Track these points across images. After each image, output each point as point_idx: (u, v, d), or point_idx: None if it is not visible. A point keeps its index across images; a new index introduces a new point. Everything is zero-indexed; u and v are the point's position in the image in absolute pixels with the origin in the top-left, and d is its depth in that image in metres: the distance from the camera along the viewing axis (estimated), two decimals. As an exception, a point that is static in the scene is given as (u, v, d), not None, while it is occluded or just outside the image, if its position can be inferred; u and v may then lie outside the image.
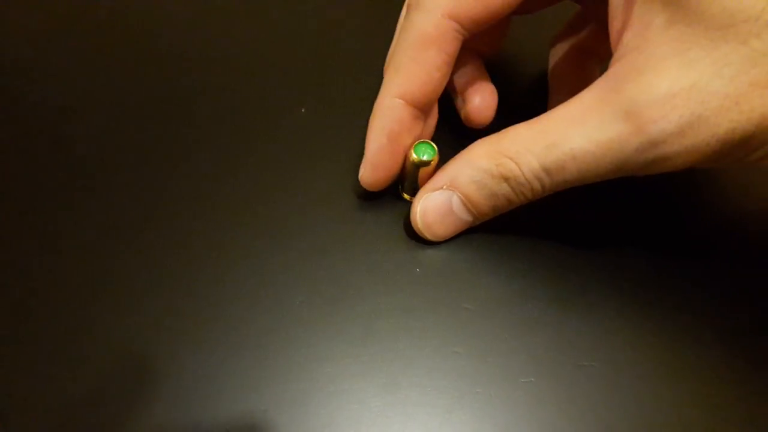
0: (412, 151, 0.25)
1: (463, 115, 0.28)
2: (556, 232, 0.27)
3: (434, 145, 0.25)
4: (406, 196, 0.27)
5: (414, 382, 0.23)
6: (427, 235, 0.26)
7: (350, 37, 0.34)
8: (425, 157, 0.25)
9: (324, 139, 0.29)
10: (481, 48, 0.28)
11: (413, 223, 0.26)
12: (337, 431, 0.22)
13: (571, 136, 0.21)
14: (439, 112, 0.27)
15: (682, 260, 0.27)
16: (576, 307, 0.25)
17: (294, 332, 0.24)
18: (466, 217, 0.25)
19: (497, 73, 0.29)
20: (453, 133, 0.29)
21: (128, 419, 0.22)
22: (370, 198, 0.27)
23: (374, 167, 0.25)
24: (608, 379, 0.24)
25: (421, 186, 0.26)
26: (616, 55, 0.21)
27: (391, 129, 0.25)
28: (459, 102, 0.29)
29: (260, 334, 0.24)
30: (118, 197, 0.27)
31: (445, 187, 0.24)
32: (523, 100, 0.31)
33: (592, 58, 0.30)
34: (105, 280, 0.25)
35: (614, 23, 0.22)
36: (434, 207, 0.25)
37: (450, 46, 0.24)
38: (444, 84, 0.25)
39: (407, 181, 0.27)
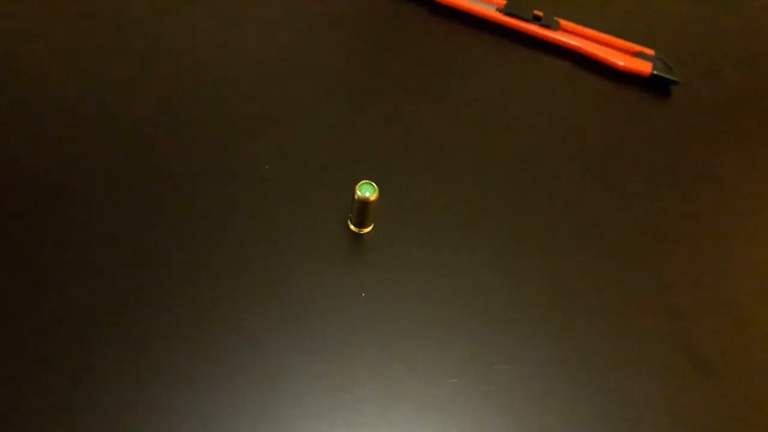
0: (357, 189, 0.30)
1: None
2: (477, 258, 0.32)
3: (375, 185, 0.30)
4: (353, 228, 0.32)
5: (358, 385, 0.27)
6: None
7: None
8: (368, 195, 0.30)
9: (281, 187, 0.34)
10: None
11: None
12: (290, 425, 0.26)
13: None
14: (379, 153, 0.32)
15: (576, 282, 0.31)
16: (494, 320, 0.30)
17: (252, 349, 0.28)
18: None
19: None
20: (392, 166, 0.33)
21: None
22: (321, 230, 0.32)
23: None
24: (522, 378, 0.28)
25: (366, 219, 0.31)
26: None
27: None
28: None
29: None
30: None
31: None
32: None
33: None
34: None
35: None
36: None
37: None
38: None
39: (354, 215, 0.31)
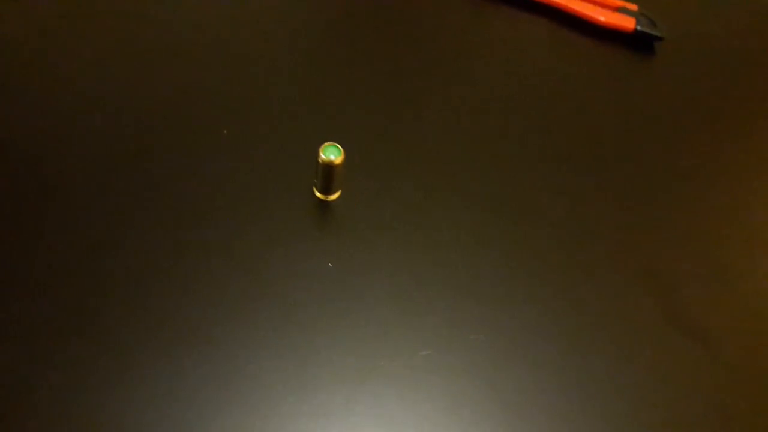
0: (321, 152, 0.28)
1: None
2: (447, 236, 0.30)
3: (340, 147, 0.28)
4: (318, 194, 0.30)
5: (326, 361, 0.26)
6: None
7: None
8: (332, 157, 0.28)
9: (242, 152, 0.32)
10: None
11: None
12: (255, 402, 0.24)
13: None
14: (347, 111, 0.30)
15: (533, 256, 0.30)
16: (467, 289, 0.28)
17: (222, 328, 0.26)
18: None
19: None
20: (358, 132, 0.31)
21: None
22: (286, 196, 0.30)
23: None
24: (498, 348, 0.27)
25: (332, 184, 0.29)
26: None
27: None
28: None
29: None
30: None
31: None
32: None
33: None
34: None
35: None
36: None
37: None
38: None
39: (319, 180, 0.29)
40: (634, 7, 0.39)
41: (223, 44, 0.35)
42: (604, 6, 0.39)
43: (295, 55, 0.36)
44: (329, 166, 0.28)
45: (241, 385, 0.25)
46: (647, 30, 0.38)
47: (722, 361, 0.27)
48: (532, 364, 0.26)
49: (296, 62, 0.35)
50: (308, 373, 0.25)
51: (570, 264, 0.29)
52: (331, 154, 0.28)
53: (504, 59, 0.37)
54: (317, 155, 0.28)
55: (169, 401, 0.24)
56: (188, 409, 0.24)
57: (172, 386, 0.25)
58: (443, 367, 0.26)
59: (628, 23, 0.38)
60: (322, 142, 0.28)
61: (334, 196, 0.30)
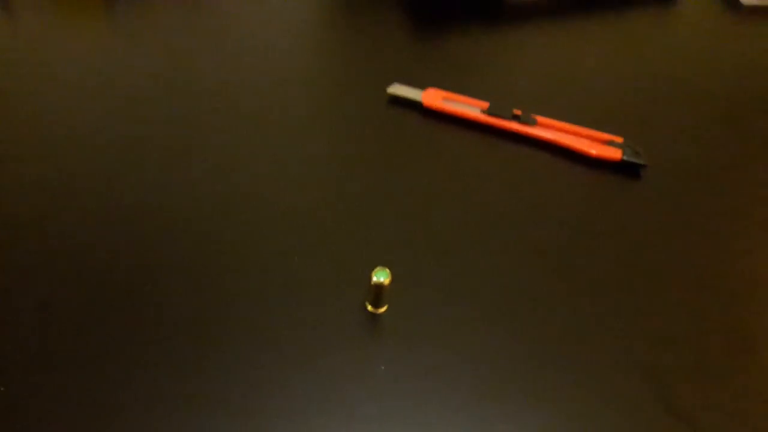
0: (373, 274, 0.34)
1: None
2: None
3: (388, 270, 0.34)
4: (369, 308, 0.36)
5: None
6: None
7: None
8: (382, 279, 0.34)
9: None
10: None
11: None
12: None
13: None
14: (396, 235, 0.36)
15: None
16: (500, 394, 0.33)
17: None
18: None
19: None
20: (409, 256, 0.38)
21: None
22: (340, 311, 0.36)
23: None
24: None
25: (381, 300, 0.35)
26: None
27: None
28: None
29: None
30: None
31: None
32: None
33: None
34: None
35: None
36: None
37: None
38: None
39: (371, 297, 0.35)
40: (619, 139, 0.47)
41: (277, 181, 0.43)
42: (593, 140, 0.47)
43: (345, 185, 0.43)
44: (379, 287, 0.34)
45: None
46: (632, 159, 0.46)
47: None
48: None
49: (344, 192, 0.42)
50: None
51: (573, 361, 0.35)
52: (381, 276, 0.34)
53: (512, 186, 0.44)
54: (369, 277, 0.34)
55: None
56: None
57: None
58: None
59: (615, 154, 0.46)
60: (372, 261, 0.34)
61: (382, 310, 0.36)
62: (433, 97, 0.49)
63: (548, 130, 0.47)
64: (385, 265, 0.35)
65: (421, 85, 0.50)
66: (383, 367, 0.34)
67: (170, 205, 0.41)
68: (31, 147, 0.44)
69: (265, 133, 0.46)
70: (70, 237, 0.38)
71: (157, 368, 0.33)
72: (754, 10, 0.64)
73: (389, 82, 0.50)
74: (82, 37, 0.53)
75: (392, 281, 0.34)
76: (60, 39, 0.52)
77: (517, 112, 0.48)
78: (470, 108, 0.48)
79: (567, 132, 0.47)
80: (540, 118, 0.48)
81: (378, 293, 0.35)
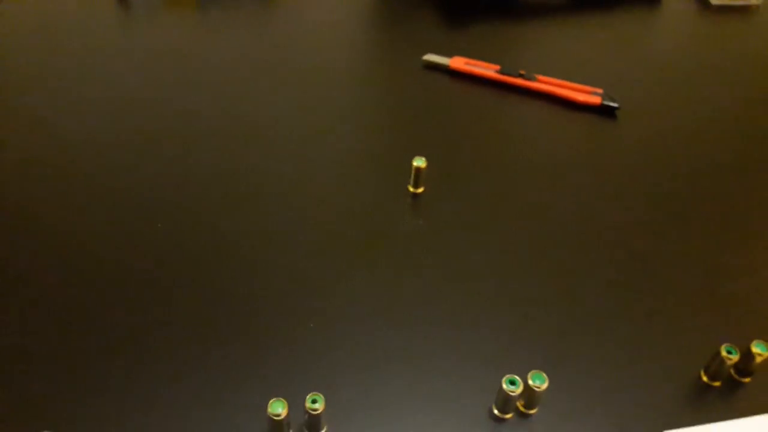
0: (413, 161, 0.49)
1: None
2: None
3: (424, 158, 0.49)
4: (411, 188, 0.51)
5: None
6: None
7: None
8: (420, 164, 0.49)
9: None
10: None
11: None
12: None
13: None
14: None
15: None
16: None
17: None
18: None
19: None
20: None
21: None
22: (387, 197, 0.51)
23: None
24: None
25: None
26: None
27: None
28: None
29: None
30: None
31: None
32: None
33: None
34: None
35: None
36: None
37: None
38: None
39: (413, 180, 0.51)
40: (599, 90, 0.62)
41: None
42: (580, 91, 0.62)
43: (382, 136, 0.58)
44: (419, 169, 0.49)
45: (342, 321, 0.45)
46: (609, 103, 0.60)
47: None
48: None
49: (382, 142, 0.58)
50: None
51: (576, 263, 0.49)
52: (419, 161, 0.49)
53: (519, 125, 0.59)
54: (411, 163, 0.49)
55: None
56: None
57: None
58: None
59: (596, 100, 0.61)
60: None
61: (420, 190, 0.51)
62: (459, 62, 0.65)
63: (545, 84, 0.63)
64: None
65: (449, 55, 0.66)
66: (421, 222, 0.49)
67: (264, 167, 0.57)
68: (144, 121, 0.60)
69: (323, 90, 0.62)
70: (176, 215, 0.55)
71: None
72: (722, 9, 0.79)
73: (424, 54, 0.66)
74: (180, 28, 0.70)
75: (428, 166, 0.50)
76: (163, 29, 0.70)
77: (522, 71, 0.64)
78: (487, 69, 0.64)
79: (559, 86, 0.63)
80: (539, 76, 0.63)
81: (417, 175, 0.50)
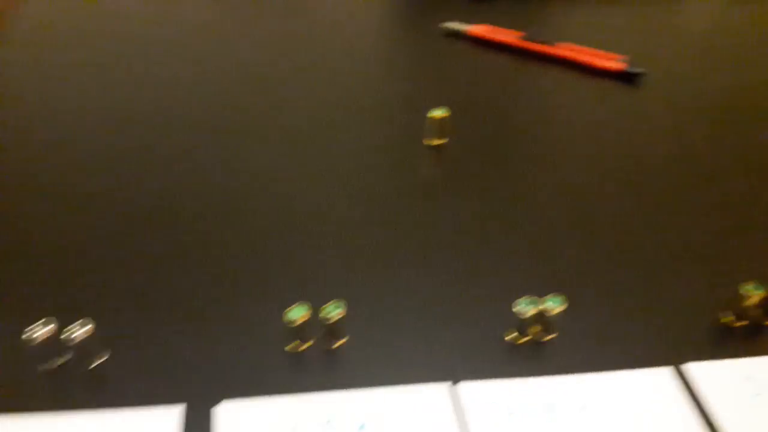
0: (428, 114, 0.48)
1: None
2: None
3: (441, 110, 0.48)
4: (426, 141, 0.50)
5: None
6: None
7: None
8: (437, 114, 0.48)
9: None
10: None
11: None
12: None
13: None
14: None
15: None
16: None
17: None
18: None
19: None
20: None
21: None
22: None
23: None
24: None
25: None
26: None
27: None
28: None
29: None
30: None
31: None
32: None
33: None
34: None
35: None
36: None
37: None
38: None
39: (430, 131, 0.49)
40: (624, 57, 0.60)
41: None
42: (606, 58, 0.60)
43: (400, 98, 0.57)
44: (433, 120, 0.48)
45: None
46: (633, 70, 0.59)
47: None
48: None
49: (398, 103, 0.57)
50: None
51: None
52: (437, 112, 0.48)
53: (539, 92, 0.58)
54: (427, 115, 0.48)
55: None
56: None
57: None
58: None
59: (620, 65, 0.59)
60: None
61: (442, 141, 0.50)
62: (478, 29, 0.64)
63: (567, 50, 0.61)
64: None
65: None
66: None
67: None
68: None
69: (356, 56, 0.62)
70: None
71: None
72: None
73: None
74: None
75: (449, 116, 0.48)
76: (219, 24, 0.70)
77: (542, 39, 0.62)
78: (507, 36, 0.63)
79: (582, 52, 0.61)
80: (561, 44, 0.62)
81: (434, 126, 0.49)
